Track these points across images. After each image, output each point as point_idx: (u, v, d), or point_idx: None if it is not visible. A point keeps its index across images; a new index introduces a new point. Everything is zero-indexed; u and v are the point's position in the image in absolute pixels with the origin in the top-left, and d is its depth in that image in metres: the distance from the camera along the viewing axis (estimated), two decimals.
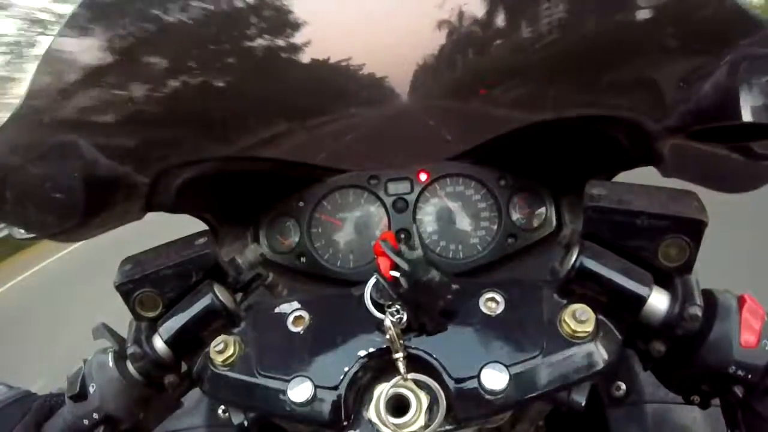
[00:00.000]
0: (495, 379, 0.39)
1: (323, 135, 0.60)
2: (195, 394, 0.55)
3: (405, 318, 0.43)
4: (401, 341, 0.41)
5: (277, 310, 0.49)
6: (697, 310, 0.41)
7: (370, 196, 0.64)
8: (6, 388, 0.52)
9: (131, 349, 0.49)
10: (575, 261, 0.42)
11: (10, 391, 0.51)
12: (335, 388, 0.42)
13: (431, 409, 0.40)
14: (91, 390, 0.48)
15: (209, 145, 0.56)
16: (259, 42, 0.52)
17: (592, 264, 0.42)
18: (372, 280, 0.45)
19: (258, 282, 0.57)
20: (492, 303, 0.44)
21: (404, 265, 0.41)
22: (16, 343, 4.28)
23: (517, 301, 0.44)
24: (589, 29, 0.47)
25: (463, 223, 0.63)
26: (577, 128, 0.54)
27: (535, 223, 0.63)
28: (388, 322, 0.42)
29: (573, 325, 0.41)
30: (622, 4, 0.46)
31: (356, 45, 0.51)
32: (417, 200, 0.63)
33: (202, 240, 0.52)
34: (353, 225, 0.65)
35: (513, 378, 0.39)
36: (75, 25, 0.46)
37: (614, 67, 0.48)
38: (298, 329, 0.47)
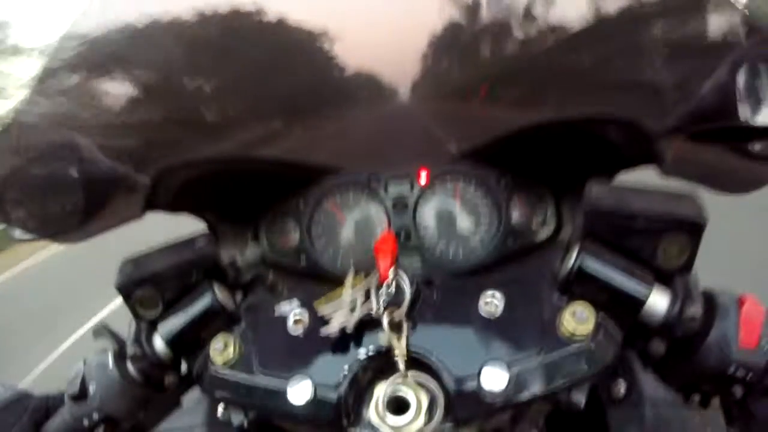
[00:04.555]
0: (495, 378, 0.39)
1: (323, 135, 0.60)
2: (195, 394, 0.55)
3: (405, 317, 0.43)
4: (401, 341, 0.41)
5: (277, 310, 0.49)
6: (696, 310, 0.41)
7: (370, 196, 0.64)
8: (2, 389, 0.51)
9: (131, 349, 0.49)
10: (575, 261, 0.42)
11: (6, 391, 0.51)
12: (335, 387, 0.41)
13: (431, 409, 0.40)
14: (91, 390, 0.48)
15: (209, 145, 0.56)
16: (259, 41, 0.52)
17: (592, 264, 0.42)
18: (372, 281, 0.45)
19: (258, 282, 0.57)
20: (492, 303, 0.44)
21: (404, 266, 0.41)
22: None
23: (517, 301, 0.44)
24: (590, 30, 0.47)
25: (463, 223, 0.62)
26: (578, 129, 0.54)
27: (535, 223, 0.63)
28: (385, 321, 0.42)
29: (573, 324, 0.41)
30: (623, 6, 0.46)
31: (357, 45, 0.51)
32: (417, 200, 0.63)
33: (202, 240, 0.52)
34: (353, 225, 0.65)
35: (513, 378, 0.39)
36: (75, 27, 0.46)
37: (615, 68, 0.48)
38: (298, 329, 0.47)
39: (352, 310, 0.43)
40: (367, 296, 0.44)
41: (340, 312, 0.43)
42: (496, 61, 0.53)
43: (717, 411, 0.45)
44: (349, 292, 0.45)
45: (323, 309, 0.45)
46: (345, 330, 0.43)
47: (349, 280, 0.46)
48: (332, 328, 0.43)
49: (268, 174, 0.62)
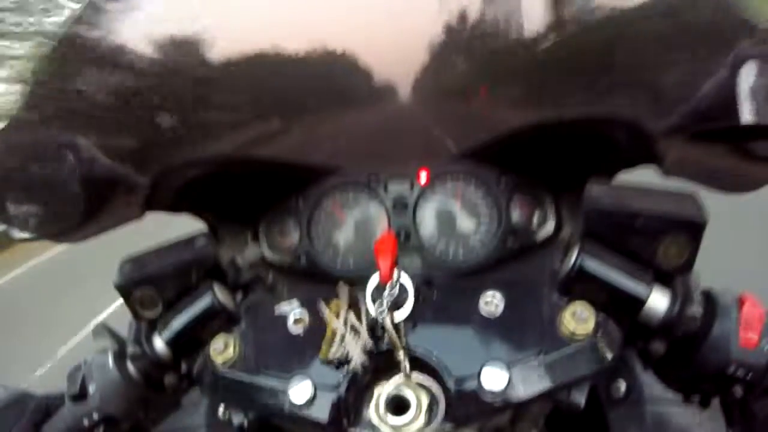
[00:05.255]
0: (495, 378, 0.39)
1: (323, 134, 0.60)
2: (195, 394, 0.55)
3: (405, 317, 0.43)
4: (402, 341, 0.41)
5: (276, 310, 0.49)
6: (696, 310, 0.41)
7: (370, 196, 0.64)
8: (2, 390, 0.51)
9: (131, 349, 0.49)
10: (575, 261, 0.42)
11: (6, 392, 0.51)
12: (335, 388, 0.41)
13: (431, 409, 0.40)
14: (91, 390, 0.48)
15: (209, 145, 0.56)
16: (258, 39, 0.52)
17: (591, 264, 0.42)
18: (372, 281, 0.45)
19: (258, 282, 0.57)
20: (492, 303, 0.44)
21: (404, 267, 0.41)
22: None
23: (517, 301, 0.44)
24: (590, 30, 0.47)
25: (464, 222, 0.62)
26: (578, 129, 0.54)
27: (535, 222, 0.63)
28: (388, 322, 0.42)
29: (573, 324, 0.41)
30: (624, 6, 0.46)
31: (356, 43, 0.51)
32: (417, 200, 0.63)
33: (202, 240, 0.52)
34: (353, 225, 0.64)
35: (513, 377, 0.39)
36: (74, 26, 0.46)
37: (615, 67, 0.48)
38: (298, 329, 0.47)
39: (356, 331, 0.43)
40: (357, 314, 0.44)
41: (352, 349, 0.42)
42: (496, 60, 0.53)
43: (717, 411, 0.45)
44: (341, 326, 0.44)
45: (333, 355, 0.43)
46: (369, 354, 0.43)
47: (332, 314, 0.46)
48: (357, 367, 0.42)
49: (268, 174, 0.62)
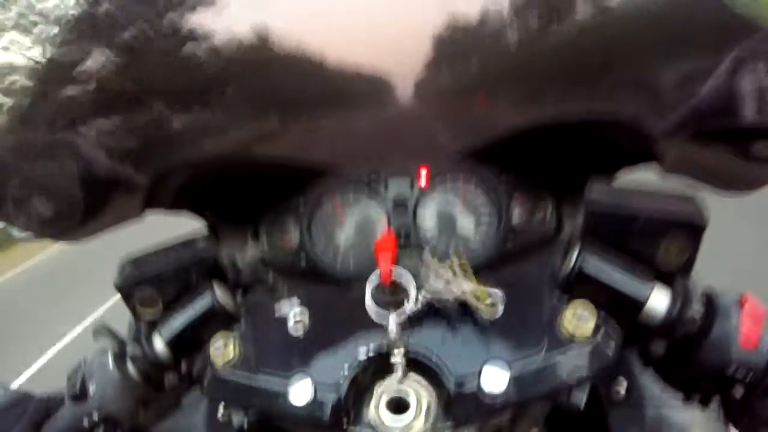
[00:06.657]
0: (495, 378, 0.39)
1: (323, 134, 0.60)
2: (195, 394, 0.55)
3: (405, 318, 0.43)
4: (402, 341, 0.41)
5: (277, 310, 0.49)
6: (696, 311, 0.41)
7: (370, 195, 0.64)
8: (2, 390, 0.51)
9: (131, 350, 0.49)
10: (575, 261, 0.42)
11: (6, 393, 0.51)
12: (336, 387, 0.41)
13: (431, 409, 0.40)
14: (91, 390, 0.48)
15: (208, 145, 0.56)
16: (259, 39, 0.52)
17: (592, 264, 0.42)
18: (372, 280, 0.45)
19: (258, 282, 0.57)
20: (492, 303, 0.44)
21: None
22: None
23: (517, 301, 0.44)
24: (590, 30, 0.47)
25: (464, 222, 0.62)
26: (578, 128, 0.54)
27: (536, 222, 0.62)
28: (389, 322, 0.42)
29: (573, 324, 0.41)
30: (624, 6, 0.46)
31: (357, 43, 0.51)
32: (417, 199, 0.63)
33: (202, 240, 0.52)
34: (353, 224, 0.64)
35: (513, 377, 0.39)
36: (74, 27, 0.46)
37: (615, 67, 0.48)
38: (298, 329, 0.47)
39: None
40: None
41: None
42: (496, 60, 0.53)
43: (717, 411, 0.45)
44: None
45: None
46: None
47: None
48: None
49: (268, 173, 0.62)
